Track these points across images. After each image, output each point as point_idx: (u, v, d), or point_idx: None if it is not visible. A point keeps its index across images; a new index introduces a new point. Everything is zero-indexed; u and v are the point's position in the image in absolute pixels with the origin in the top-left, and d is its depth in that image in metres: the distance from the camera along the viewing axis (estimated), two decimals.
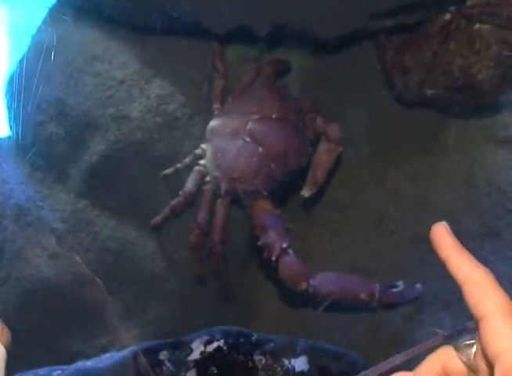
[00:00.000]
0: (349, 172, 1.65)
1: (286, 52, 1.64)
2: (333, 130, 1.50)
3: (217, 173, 1.45)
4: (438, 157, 1.63)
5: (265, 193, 1.43)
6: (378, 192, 1.63)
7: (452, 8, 1.47)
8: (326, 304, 1.40)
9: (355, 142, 1.64)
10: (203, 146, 1.49)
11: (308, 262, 1.43)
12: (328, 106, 1.64)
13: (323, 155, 1.49)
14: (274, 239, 1.38)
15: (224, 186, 1.44)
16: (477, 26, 1.47)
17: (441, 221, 0.80)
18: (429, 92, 1.55)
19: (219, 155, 1.45)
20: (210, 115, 1.52)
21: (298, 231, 1.58)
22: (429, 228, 0.77)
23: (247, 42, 1.58)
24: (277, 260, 1.37)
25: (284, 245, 1.37)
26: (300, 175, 1.48)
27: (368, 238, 1.58)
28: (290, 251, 1.38)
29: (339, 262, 1.56)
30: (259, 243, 1.40)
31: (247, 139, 1.43)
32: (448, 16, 1.47)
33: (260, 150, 1.43)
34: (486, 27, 1.47)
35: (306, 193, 1.47)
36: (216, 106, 1.53)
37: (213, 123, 1.49)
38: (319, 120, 1.53)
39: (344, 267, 1.54)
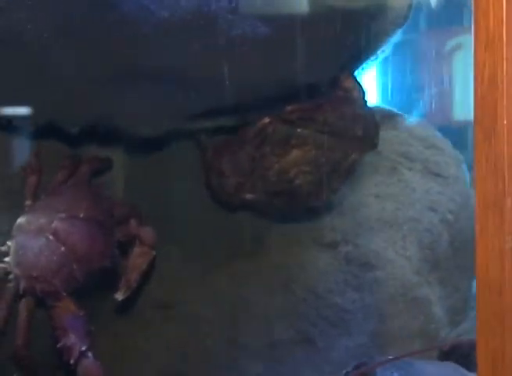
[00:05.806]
0: (171, 272, 1.64)
1: (105, 149, 1.64)
2: (147, 234, 1.50)
3: (17, 271, 1.41)
4: (259, 259, 1.64)
5: (64, 294, 1.39)
6: (198, 292, 1.61)
7: (273, 111, 1.50)
8: None
9: (178, 242, 1.63)
10: (9, 243, 1.46)
11: (120, 363, 1.39)
12: (149, 206, 1.63)
13: (137, 258, 1.49)
14: (74, 341, 1.34)
15: (22, 284, 1.40)
16: (298, 130, 1.50)
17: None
18: (248, 196, 1.56)
19: (20, 252, 1.41)
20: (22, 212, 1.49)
21: (113, 331, 1.55)
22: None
23: (63, 139, 1.57)
24: (75, 363, 1.32)
25: (83, 348, 1.33)
26: (107, 276, 1.45)
27: (183, 340, 1.56)
28: (90, 354, 1.34)
29: (151, 363, 1.53)
30: (59, 345, 1.35)
31: (50, 238, 1.41)
32: (266, 120, 1.50)
33: (62, 249, 1.40)
34: (306, 131, 1.50)
35: (119, 296, 1.46)
36: (28, 202, 1.51)
37: (20, 220, 1.46)
38: (133, 222, 1.53)
39: (155, 369, 1.52)
